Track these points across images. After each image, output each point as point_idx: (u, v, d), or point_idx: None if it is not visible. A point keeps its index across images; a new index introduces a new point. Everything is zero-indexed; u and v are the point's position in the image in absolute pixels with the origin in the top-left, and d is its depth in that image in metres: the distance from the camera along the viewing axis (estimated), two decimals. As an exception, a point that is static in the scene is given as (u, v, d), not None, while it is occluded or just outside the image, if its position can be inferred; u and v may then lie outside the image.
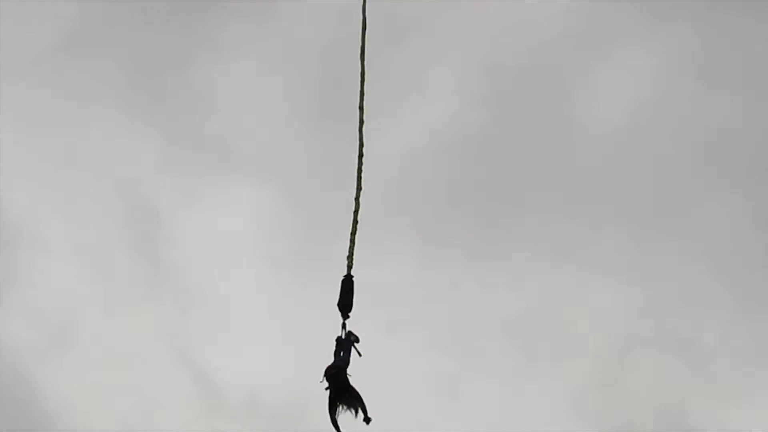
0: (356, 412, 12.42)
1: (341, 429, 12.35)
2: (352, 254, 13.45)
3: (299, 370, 31.59)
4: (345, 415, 12.39)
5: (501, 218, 36.22)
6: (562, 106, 37.23)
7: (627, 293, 34.83)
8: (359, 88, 14.66)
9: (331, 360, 12.49)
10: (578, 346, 34.83)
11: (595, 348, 35.12)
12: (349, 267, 13.44)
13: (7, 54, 37.19)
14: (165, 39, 38.48)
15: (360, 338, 13.21)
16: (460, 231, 36.09)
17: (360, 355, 12.88)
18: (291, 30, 37.52)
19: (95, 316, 35.86)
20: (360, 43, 15.26)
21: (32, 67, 37.12)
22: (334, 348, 12.97)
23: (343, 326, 13.26)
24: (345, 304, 13.22)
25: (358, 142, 13.96)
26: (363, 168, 13.82)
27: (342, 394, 12.53)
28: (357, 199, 13.80)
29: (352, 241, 13.49)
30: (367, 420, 12.32)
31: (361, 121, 14.41)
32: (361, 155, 13.90)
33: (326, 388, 12.30)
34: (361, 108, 14.33)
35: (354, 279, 13.36)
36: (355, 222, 13.65)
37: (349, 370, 12.31)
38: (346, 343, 13.08)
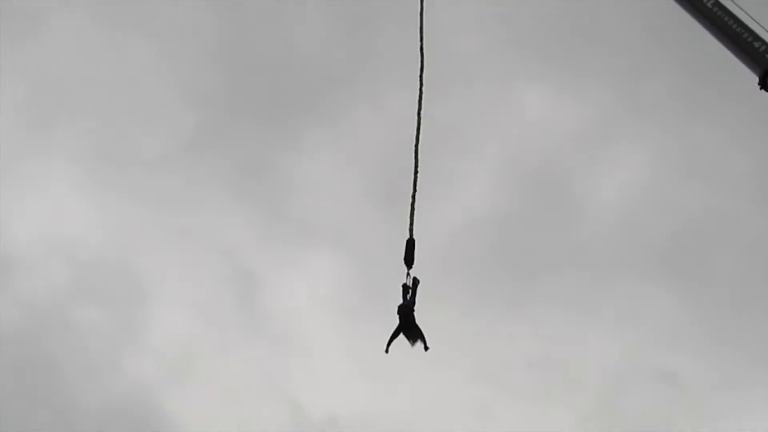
0: (415, 342, 14.73)
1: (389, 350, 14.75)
2: (412, 224, 15.65)
3: (367, 395, 38.87)
4: (404, 345, 14.80)
5: (524, 279, 40.33)
6: (571, 192, 41.58)
7: (621, 337, 38.52)
8: (413, 177, 16.57)
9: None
10: (583, 378, 38.59)
11: (596, 379, 38.82)
12: (411, 232, 15.56)
13: (142, 151, 42.32)
14: (262, 141, 43.26)
15: (420, 281, 15.04)
16: (493, 288, 39.98)
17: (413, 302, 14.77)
18: (359, 132, 41.82)
19: (208, 355, 40.20)
20: (414, 141, 17.24)
21: (162, 161, 41.85)
22: (402, 294, 14.94)
23: (408, 275, 15.15)
24: (409, 259, 15.30)
25: (408, 221, 15.86)
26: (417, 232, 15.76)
27: (408, 327, 14.80)
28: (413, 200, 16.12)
29: (412, 214, 15.80)
30: (426, 348, 14.57)
31: (413, 201, 16.22)
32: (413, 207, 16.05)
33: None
34: (414, 190, 16.31)
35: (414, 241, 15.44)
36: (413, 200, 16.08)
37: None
38: (412, 288, 15.02)
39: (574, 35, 41.84)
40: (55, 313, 39.30)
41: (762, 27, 14.21)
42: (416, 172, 16.52)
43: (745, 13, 14.59)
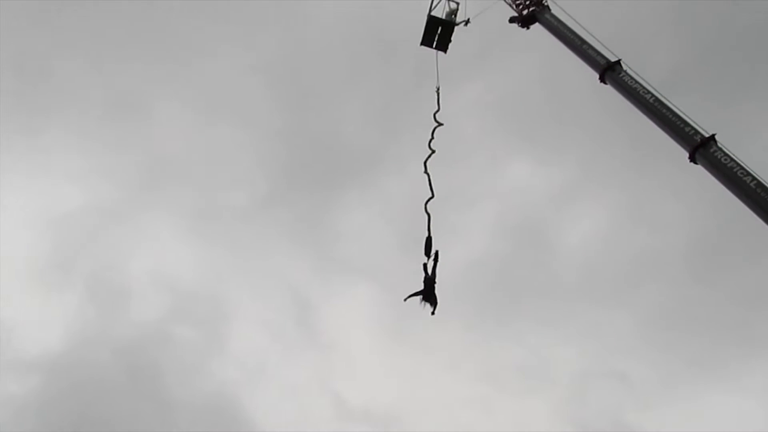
0: (431, 305, 15.20)
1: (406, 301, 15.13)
2: (430, 228, 16.19)
3: (394, 391, 40.15)
4: (420, 305, 15.28)
5: (511, 304, 41.01)
6: (546, 238, 41.57)
7: (583, 347, 38.91)
8: (427, 226, 16.51)
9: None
10: (555, 377, 39.22)
11: (565, 379, 39.36)
12: (429, 231, 16.11)
13: (227, 209, 42.81)
14: (316, 201, 43.94)
15: (439, 254, 15.55)
16: (488, 310, 40.73)
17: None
18: (387, 194, 42.38)
19: (275, 361, 40.66)
20: (429, 194, 17.38)
21: (241, 216, 42.68)
22: (423, 270, 15.42)
23: (427, 255, 15.66)
24: (427, 248, 15.87)
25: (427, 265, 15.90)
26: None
27: (428, 294, 15.27)
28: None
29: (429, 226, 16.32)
30: (433, 313, 15.16)
31: (429, 218, 16.54)
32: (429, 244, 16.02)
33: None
34: (428, 237, 16.22)
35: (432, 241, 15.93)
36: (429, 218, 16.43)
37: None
38: (434, 263, 15.49)
39: (548, 119, 41.94)
40: (160, 330, 39.70)
41: (688, 117, 14.37)
42: (429, 221, 16.70)
43: (675, 107, 14.65)
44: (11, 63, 40.49)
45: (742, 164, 13.11)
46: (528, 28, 19.24)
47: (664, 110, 14.84)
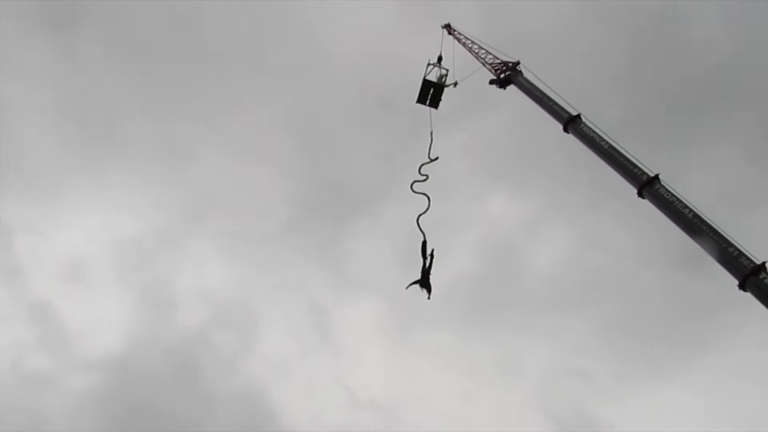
0: (427, 291, 15.20)
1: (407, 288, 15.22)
2: (424, 234, 15.88)
3: (395, 385, 39.95)
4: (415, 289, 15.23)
5: (490, 313, 40.99)
6: (518, 259, 41.85)
7: (550, 347, 39.04)
8: (420, 251, 15.78)
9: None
10: (527, 373, 39.26)
11: (535, 374, 39.40)
12: (424, 235, 15.90)
13: (256, 234, 43.36)
14: (330, 227, 44.26)
15: (434, 255, 15.46)
16: (471, 318, 40.71)
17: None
18: (389, 222, 41.22)
19: (297, 360, 40.93)
20: (423, 213, 16.92)
21: (268, 240, 43.03)
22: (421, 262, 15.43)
23: (423, 255, 15.57)
24: (423, 251, 15.75)
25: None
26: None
27: (424, 281, 15.31)
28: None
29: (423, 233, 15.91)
30: (428, 297, 15.15)
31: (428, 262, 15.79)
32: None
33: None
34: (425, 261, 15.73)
35: (426, 243, 15.72)
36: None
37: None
38: (430, 260, 15.52)
39: (520, 162, 42.23)
40: (201, 334, 39.75)
41: (637, 160, 14.31)
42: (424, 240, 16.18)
43: (626, 151, 14.61)
44: (91, 116, 42.06)
45: (681, 198, 13.19)
46: (505, 88, 19.33)
47: (617, 154, 14.77)
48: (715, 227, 12.44)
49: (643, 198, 13.94)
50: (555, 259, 41.28)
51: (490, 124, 41.45)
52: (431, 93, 20.82)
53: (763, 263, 11.50)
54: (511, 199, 43.32)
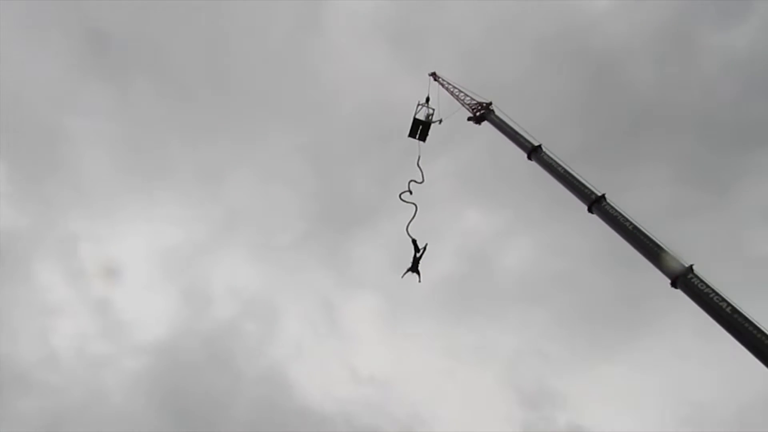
0: (412, 272, 15.53)
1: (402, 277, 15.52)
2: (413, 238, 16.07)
3: (391, 364, 40.65)
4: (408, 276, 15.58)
5: (467, 306, 40.40)
6: (491, 262, 41.72)
7: (518, 334, 39.14)
8: (412, 244, 16.19)
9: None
10: (498, 355, 39.18)
11: (504, 356, 39.23)
12: (414, 240, 16.07)
13: (276, 243, 42.65)
14: (338, 237, 43.44)
15: (426, 248, 15.64)
16: (452, 311, 40.63)
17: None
18: (385, 232, 40.10)
19: (310, 345, 40.34)
20: (410, 221, 17.03)
21: (286, 248, 42.17)
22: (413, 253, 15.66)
23: (415, 249, 15.78)
24: (415, 244, 16.18)
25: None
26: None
27: (415, 266, 15.71)
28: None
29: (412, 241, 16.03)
30: (419, 281, 15.46)
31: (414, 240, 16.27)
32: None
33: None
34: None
35: (416, 240, 15.99)
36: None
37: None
38: (420, 254, 15.79)
39: (492, 183, 41.86)
40: (231, 325, 39.73)
41: (586, 181, 14.14)
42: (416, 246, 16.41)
43: (578, 174, 14.43)
44: (142, 144, 42.61)
45: (623, 213, 13.16)
46: (480, 124, 19.15)
47: (571, 177, 14.68)
48: (651, 236, 12.33)
49: (592, 213, 13.83)
50: (521, 262, 41.44)
51: (468, 153, 40.80)
52: (420, 129, 20.61)
53: (691, 266, 11.37)
54: (484, 213, 43.29)
